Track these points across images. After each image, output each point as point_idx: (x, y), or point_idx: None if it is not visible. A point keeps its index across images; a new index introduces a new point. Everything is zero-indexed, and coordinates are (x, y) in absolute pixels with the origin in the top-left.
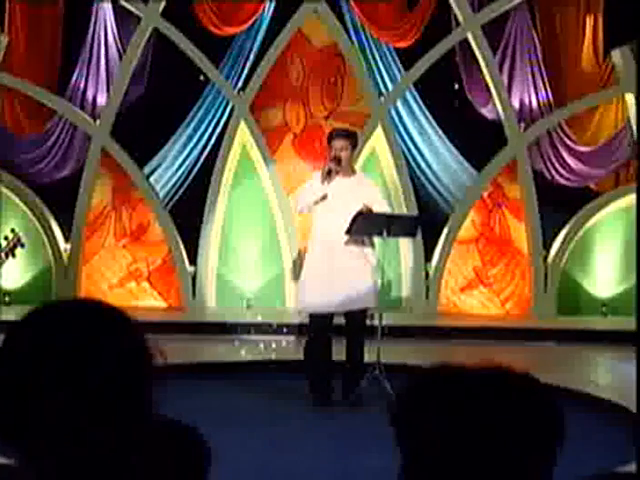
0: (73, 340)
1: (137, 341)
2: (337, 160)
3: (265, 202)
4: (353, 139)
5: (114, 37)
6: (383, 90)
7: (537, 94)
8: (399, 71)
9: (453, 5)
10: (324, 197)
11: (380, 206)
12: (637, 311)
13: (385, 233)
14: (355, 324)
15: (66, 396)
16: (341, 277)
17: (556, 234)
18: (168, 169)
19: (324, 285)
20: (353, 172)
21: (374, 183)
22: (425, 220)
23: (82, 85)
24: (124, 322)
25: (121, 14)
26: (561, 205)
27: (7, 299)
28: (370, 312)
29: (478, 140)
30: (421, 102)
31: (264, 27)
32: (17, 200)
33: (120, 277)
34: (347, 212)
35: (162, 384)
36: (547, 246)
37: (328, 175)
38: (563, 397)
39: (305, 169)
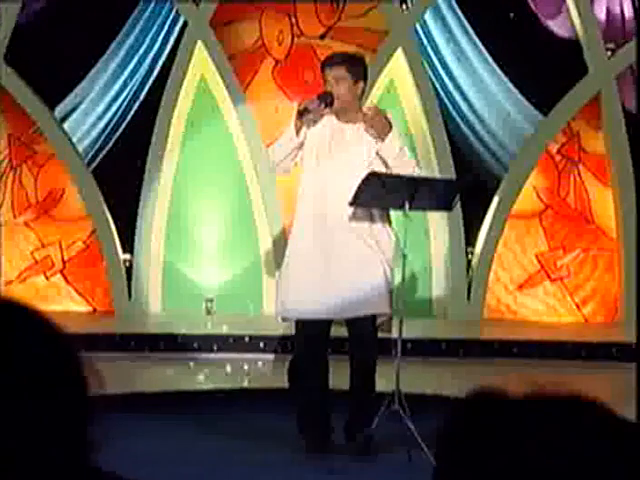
0: None
1: (71, 359)
2: (325, 97)
3: (233, 159)
4: (356, 67)
5: None
6: None
7: (633, 1)
8: None
9: None
10: (299, 148)
11: (402, 165)
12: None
13: (407, 204)
14: (362, 337)
15: None
16: (342, 268)
17: None
18: (91, 111)
19: (317, 280)
20: (362, 115)
21: (395, 131)
22: (466, 185)
23: None
24: (51, 332)
25: None
26: None
27: None
28: (384, 319)
29: (544, 68)
30: (460, 14)
31: None
32: None
33: (21, 269)
34: (351, 173)
35: (98, 420)
36: None
37: (299, 117)
38: None
39: (291, 109)
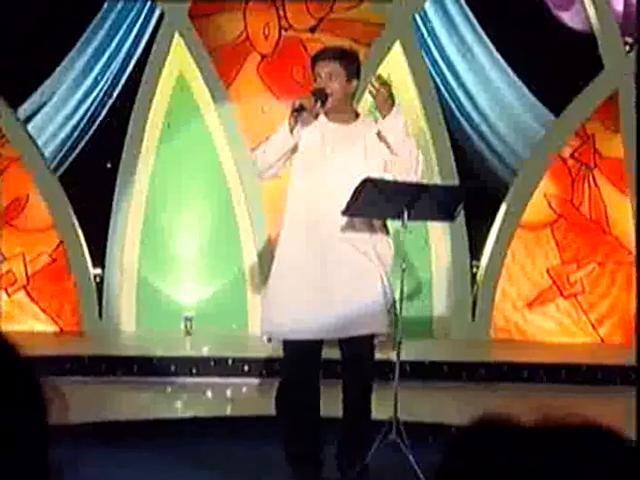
0: None
1: (32, 384)
2: (320, 94)
3: (214, 163)
4: (351, 63)
5: None
6: None
7: None
8: None
9: None
10: (293, 151)
11: (406, 157)
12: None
13: (406, 214)
14: (359, 359)
15: None
16: (338, 282)
17: None
18: (58, 112)
19: (310, 295)
20: (355, 116)
21: (400, 111)
22: (470, 193)
23: None
24: (10, 354)
25: None
26: None
27: None
28: (381, 340)
29: (556, 64)
30: (464, 3)
31: None
32: None
33: None
34: (346, 178)
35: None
36: None
37: (296, 115)
38: None
39: (279, 109)
